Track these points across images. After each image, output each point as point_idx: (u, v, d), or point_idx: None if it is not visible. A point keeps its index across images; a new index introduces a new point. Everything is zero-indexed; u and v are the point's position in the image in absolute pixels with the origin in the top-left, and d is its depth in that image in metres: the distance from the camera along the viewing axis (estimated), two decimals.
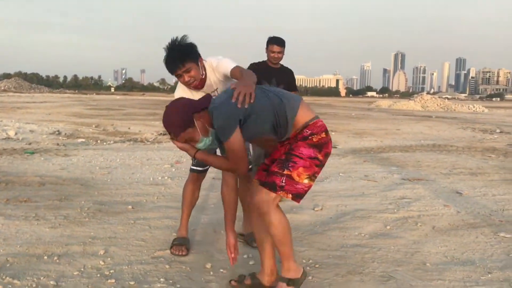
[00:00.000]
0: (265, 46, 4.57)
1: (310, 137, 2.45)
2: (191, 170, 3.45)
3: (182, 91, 3.09)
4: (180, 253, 3.24)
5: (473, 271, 3.07)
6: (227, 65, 2.97)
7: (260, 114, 2.38)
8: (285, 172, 2.42)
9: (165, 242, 3.45)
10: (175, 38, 2.83)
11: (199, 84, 2.98)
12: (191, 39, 2.90)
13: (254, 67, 4.54)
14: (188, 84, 2.97)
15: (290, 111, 2.44)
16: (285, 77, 4.63)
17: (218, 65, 3.02)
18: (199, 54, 2.96)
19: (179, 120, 2.41)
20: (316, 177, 2.52)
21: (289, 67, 4.77)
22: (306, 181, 2.46)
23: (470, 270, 3.09)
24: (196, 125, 2.42)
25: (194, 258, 3.16)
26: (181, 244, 3.31)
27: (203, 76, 2.98)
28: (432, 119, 23.16)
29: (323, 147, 2.48)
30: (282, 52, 4.54)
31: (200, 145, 2.48)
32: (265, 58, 4.64)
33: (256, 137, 2.51)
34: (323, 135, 2.48)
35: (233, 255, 2.68)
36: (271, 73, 4.55)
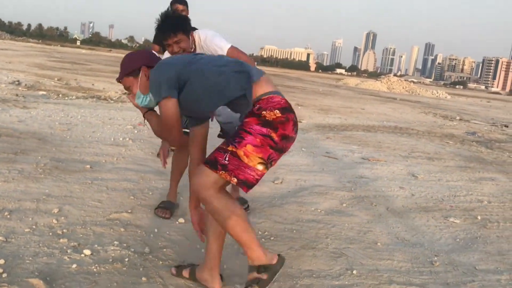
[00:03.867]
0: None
1: (261, 113, 2.09)
2: None
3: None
4: (164, 215, 3.26)
5: (421, 253, 3.19)
6: (221, 45, 3.12)
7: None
8: (229, 148, 2.08)
9: (122, 205, 3.41)
10: (171, 9, 2.92)
11: None
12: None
13: None
14: (175, 54, 2.99)
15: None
16: None
17: (207, 39, 3.13)
18: (191, 28, 3.05)
19: (126, 64, 2.37)
20: (272, 164, 2.14)
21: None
22: (260, 167, 2.07)
23: (418, 252, 3.20)
24: (139, 77, 2.32)
25: (150, 223, 3.14)
26: (166, 208, 3.32)
27: (192, 50, 3.07)
28: (396, 101, 23.56)
29: (279, 127, 2.09)
30: (185, 11, 4.86)
31: (138, 100, 2.33)
32: None
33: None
34: (278, 113, 2.09)
35: (198, 231, 2.40)
36: None
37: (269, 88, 2.17)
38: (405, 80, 45.13)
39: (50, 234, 2.75)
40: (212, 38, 3.14)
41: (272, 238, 3.14)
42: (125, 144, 5.54)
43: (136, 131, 6.47)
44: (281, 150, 2.14)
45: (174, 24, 2.93)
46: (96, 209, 3.26)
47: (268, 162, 2.10)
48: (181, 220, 3.25)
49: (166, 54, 3.22)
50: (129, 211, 3.30)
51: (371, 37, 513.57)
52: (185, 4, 5.00)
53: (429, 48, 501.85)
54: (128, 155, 5.01)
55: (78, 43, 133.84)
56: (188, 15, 5.03)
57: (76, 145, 5.20)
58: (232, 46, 3.16)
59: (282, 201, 4.06)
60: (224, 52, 3.13)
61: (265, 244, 3.01)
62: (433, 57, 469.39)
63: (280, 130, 2.09)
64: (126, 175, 4.22)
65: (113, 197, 3.58)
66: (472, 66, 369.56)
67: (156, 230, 3.01)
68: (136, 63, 2.34)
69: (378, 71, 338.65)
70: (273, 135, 2.07)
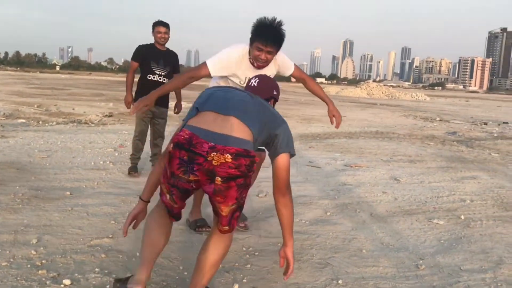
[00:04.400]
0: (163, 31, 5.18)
1: None
2: None
3: (236, 51, 3.13)
4: (207, 230, 3.38)
5: (407, 257, 3.19)
6: (291, 63, 3.36)
7: None
8: None
9: (103, 230, 3.36)
10: (280, 20, 2.92)
11: (263, 66, 3.11)
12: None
13: (142, 48, 5.23)
14: (257, 60, 3.04)
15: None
16: (171, 59, 5.29)
17: (280, 56, 3.23)
18: None
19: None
20: (173, 197, 2.12)
21: (175, 50, 5.41)
22: (167, 195, 2.14)
23: (403, 256, 3.20)
24: None
25: (132, 247, 3.09)
26: (203, 224, 3.50)
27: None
28: (377, 106, 23.80)
29: (168, 162, 2.07)
30: (167, 33, 5.21)
31: None
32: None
33: None
34: (171, 147, 2.06)
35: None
36: (159, 55, 5.20)
37: (192, 122, 2.12)
38: (384, 85, 45.67)
39: (29, 266, 2.68)
40: (283, 55, 3.29)
41: (256, 253, 3.11)
42: (105, 168, 5.48)
43: (117, 154, 6.40)
44: (177, 188, 2.08)
45: (280, 38, 2.96)
46: (77, 237, 3.20)
47: (169, 193, 2.12)
48: None
49: (236, 55, 3.14)
50: (110, 236, 3.25)
51: (348, 45, 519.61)
52: (168, 26, 5.21)
53: (405, 52, 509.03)
54: (108, 179, 4.96)
55: (58, 68, 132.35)
56: (169, 37, 5.23)
57: (56, 172, 5.12)
58: (295, 64, 3.40)
59: (266, 214, 4.03)
60: (292, 69, 3.37)
61: (250, 260, 2.98)
62: (410, 61, 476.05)
63: (168, 165, 2.07)
64: (107, 199, 4.16)
65: (93, 223, 3.52)
66: (449, 67, 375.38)
67: (138, 254, 2.96)
68: None
69: (358, 78, 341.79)
70: (168, 170, 2.08)
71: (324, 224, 3.82)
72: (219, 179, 1.98)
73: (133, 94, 5.27)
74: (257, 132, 2.14)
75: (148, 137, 5.41)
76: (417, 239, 3.59)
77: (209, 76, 3.15)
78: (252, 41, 2.98)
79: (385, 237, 3.59)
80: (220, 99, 2.20)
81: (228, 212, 2.10)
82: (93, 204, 3.97)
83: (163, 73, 5.16)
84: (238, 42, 3.21)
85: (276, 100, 2.67)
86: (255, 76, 2.59)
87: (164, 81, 5.19)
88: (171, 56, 5.29)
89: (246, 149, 2.02)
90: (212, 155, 1.96)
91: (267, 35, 2.91)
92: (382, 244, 3.44)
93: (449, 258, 3.20)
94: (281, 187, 2.28)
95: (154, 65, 5.14)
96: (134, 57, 5.22)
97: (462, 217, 4.17)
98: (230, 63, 3.09)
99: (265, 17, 2.93)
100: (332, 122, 3.45)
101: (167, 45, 5.28)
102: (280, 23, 2.89)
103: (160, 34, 5.13)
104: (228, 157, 1.97)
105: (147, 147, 5.47)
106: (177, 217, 2.23)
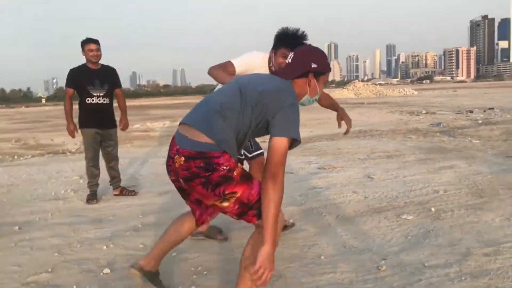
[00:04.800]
0: (116, 51, 5.08)
1: None
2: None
3: (258, 57, 3.26)
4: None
5: (369, 259, 2.97)
6: None
7: None
8: None
9: (44, 264, 3.11)
10: (304, 31, 3.04)
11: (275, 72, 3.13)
12: None
13: (73, 72, 4.95)
14: (278, 64, 3.14)
15: None
16: (108, 75, 5.02)
17: None
18: None
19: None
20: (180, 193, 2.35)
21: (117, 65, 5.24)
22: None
23: (365, 259, 2.99)
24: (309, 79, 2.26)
25: (70, 280, 2.84)
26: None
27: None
28: (364, 105, 23.67)
29: None
30: (99, 50, 4.93)
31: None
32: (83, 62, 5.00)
33: None
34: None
35: None
36: (93, 75, 4.91)
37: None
38: (371, 84, 45.70)
39: None
40: None
41: (205, 273, 2.88)
42: (65, 197, 5.23)
43: (82, 181, 6.16)
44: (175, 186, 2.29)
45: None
46: (13, 275, 2.96)
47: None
48: (106, 270, 2.97)
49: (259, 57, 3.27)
50: (50, 270, 3.00)
51: (333, 48, 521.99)
52: (98, 43, 4.97)
53: (390, 49, 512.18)
54: (65, 208, 4.71)
55: (44, 101, 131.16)
56: (101, 54, 4.97)
57: (12, 206, 4.88)
58: None
59: (226, 229, 3.79)
60: None
61: (196, 281, 2.76)
62: (396, 57, 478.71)
63: None
64: (57, 230, 3.91)
65: (35, 257, 3.27)
66: (434, 59, 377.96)
67: (74, 287, 2.73)
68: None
69: (345, 79, 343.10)
70: None
71: (285, 232, 3.59)
72: (181, 180, 2.11)
73: (78, 119, 4.99)
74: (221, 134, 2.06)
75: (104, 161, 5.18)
76: (383, 238, 3.38)
77: (233, 73, 3.16)
78: (277, 48, 3.14)
79: (348, 239, 3.37)
80: (195, 107, 2.25)
81: (216, 206, 2.17)
82: (40, 237, 3.72)
83: (101, 94, 4.91)
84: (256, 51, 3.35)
85: (319, 72, 2.29)
86: (294, 51, 2.37)
87: (105, 101, 4.95)
88: (107, 73, 5.03)
89: (201, 151, 2.02)
90: (175, 157, 2.09)
91: (294, 43, 2.94)
92: (345, 247, 3.22)
93: (413, 255, 2.98)
94: (266, 170, 2.02)
95: (90, 87, 4.88)
96: (67, 84, 4.94)
97: (433, 209, 3.96)
98: (254, 66, 3.19)
99: (287, 27, 3.11)
100: (339, 126, 3.36)
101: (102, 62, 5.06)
102: (304, 34, 3.04)
103: (91, 52, 4.85)
104: (182, 160, 2.06)
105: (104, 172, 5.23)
106: (198, 222, 2.37)
